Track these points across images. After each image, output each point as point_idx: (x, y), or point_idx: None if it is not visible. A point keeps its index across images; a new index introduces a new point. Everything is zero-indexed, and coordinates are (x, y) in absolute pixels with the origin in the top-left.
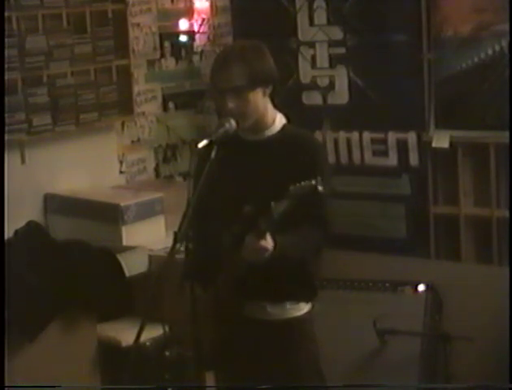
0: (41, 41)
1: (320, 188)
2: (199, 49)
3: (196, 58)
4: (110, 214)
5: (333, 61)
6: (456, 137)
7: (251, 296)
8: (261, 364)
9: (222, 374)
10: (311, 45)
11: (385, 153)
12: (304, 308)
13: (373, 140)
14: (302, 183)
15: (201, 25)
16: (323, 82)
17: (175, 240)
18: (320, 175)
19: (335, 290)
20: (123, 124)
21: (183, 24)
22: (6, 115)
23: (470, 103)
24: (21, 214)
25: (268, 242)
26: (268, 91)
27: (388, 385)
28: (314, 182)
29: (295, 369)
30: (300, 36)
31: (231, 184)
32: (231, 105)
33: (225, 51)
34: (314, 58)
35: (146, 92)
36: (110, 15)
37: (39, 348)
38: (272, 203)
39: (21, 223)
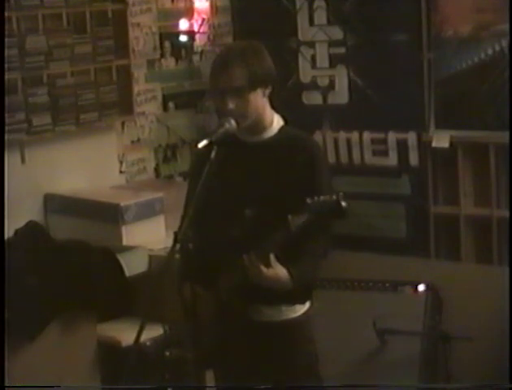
0: (41, 41)
1: (344, 204)
2: (199, 49)
3: (196, 58)
4: (110, 214)
5: (333, 61)
6: (456, 137)
7: (248, 298)
8: (258, 365)
9: (221, 375)
10: (311, 45)
11: (385, 153)
12: (300, 310)
13: (373, 140)
14: (322, 197)
15: (201, 25)
16: (323, 82)
17: (175, 240)
18: (319, 177)
19: (335, 290)
20: (123, 124)
21: (183, 24)
22: (6, 115)
23: (470, 103)
24: (21, 214)
25: (274, 269)
26: (267, 91)
27: (388, 385)
28: (334, 197)
29: (292, 370)
30: (300, 36)
31: (229, 186)
32: (231, 105)
33: (224, 52)
34: (314, 58)
35: (146, 92)
36: (110, 15)
37: (39, 348)
38: (289, 216)
39: (21, 223)
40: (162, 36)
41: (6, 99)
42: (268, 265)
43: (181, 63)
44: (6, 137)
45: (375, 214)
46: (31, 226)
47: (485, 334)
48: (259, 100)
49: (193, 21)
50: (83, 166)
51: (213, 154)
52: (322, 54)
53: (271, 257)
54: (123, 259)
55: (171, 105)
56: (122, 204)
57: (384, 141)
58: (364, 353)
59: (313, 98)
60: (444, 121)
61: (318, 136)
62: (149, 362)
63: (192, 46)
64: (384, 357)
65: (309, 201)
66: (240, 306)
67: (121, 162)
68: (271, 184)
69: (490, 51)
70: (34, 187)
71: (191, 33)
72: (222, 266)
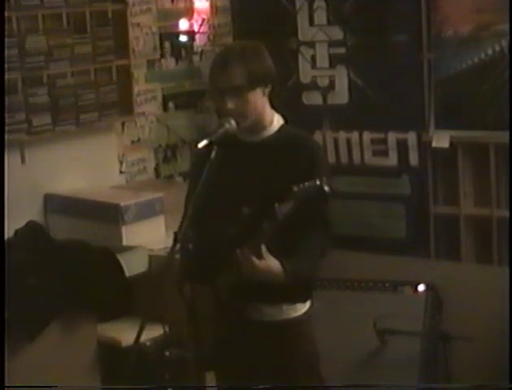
0: (41, 41)
1: (326, 188)
2: (199, 49)
3: (196, 58)
4: (110, 214)
5: (333, 61)
6: (456, 137)
7: (248, 297)
8: (259, 364)
9: (221, 375)
10: (311, 45)
11: (385, 153)
12: (301, 309)
13: (373, 140)
14: (306, 183)
15: (201, 25)
16: (323, 82)
17: (175, 240)
18: (319, 175)
19: (335, 290)
20: (123, 124)
21: (183, 24)
22: (6, 115)
23: (470, 103)
24: (21, 214)
25: (266, 261)
26: (267, 91)
27: (388, 385)
28: (318, 182)
29: (293, 369)
30: (300, 36)
31: (229, 186)
32: (230, 105)
33: (224, 51)
34: (314, 58)
35: (146, 92)
36: (110, 15)
37: (39, 348)
38: (276, 204)
39: (21, 223)
40: (162, 37)
41: (6, 99)
42: (260, 257)
43: (181, 63)
44: (6, 137)
45: (375, 214)
46: (31, 226)
47: (485, 334)
48: (259, 99)
49: (193, 21)
50: (83, 166)
51: (213, 154)
52: (322, 54)
53: (263, 248)
54: (123, 259)
55: (171, 105)
56: (122, 204)
57: (384, 141)
58: (364, 353)
59: (313, 98)
60: (444, 121)
61: (318, 136)
62: (149, 362)
63: (192, 46)
64: (384, 357)
65: (295, 188)
66: (239, 306)
67: (121, 162)
68: (270, 182)
69: (490, 51)
70: (34, 187)
71: (191, 33)
72: (221, 265)
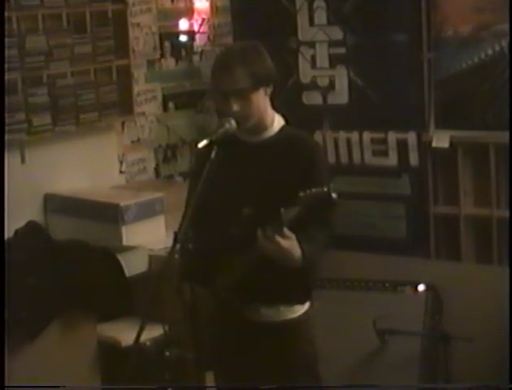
0: (41, 41)
1: (334, 195)
2: (199, 49)
3: (196, 58)
4: (110, 214)
5: (333, 61)
6: (456, 137)
7: (246, 298)
8: (257, 365)
9: (220, 375)
10: (311, 45)
11: (385, 153)
12: (299, 310)
13: (373, 140)
14: (314, 190)
15: (201, 25)
16: (323, 82)
17: (175, 240)
18: (320, 177)
19: (335, 290)
20: (123, 124)
21: (183, 24)
22: (6, 115)
23: (470, 103)
24: (21, 214)
25: (290, 240)
26: (269, 91)
27: (388, 385)
28: (326, 189)
29: (291, 371)
30: (300, 36)
31: (229, 186)
32: (235, 107)
33: (225, 53)
34: (314, 58)
35: (146, 92)
36: (110, 15)
37: (39, 348)
38: (282, 209)
39: (21, 223)
40: (162, 36)
41: (6, 99)
42: (284, 236)
43: (181, 63)
44: (6, 137)
45: (375, 214)
46: (31, 226)
47: (485, 334)
48: (261, 100)
49: (193, 21)
50: (83, 166)
51: (213, 154)
52: (322, 54)
53: (285, 229)
54: (123, 259)
55: (171, 105)
56: (122, 204)
57: (384, 141)
58: (364, 353)
59: (313, 98)
60: (444, 121)
61: (318, 136)
62: (149, 362)
63: (192, 46)
64: (384, 357)
65: (301, 194)
66: (238, 306)
67: (121, 162)
68: (270, 183)
69: (490, 51)
70: (34, 187)
71: (191, 33)
72: (220, 265)
